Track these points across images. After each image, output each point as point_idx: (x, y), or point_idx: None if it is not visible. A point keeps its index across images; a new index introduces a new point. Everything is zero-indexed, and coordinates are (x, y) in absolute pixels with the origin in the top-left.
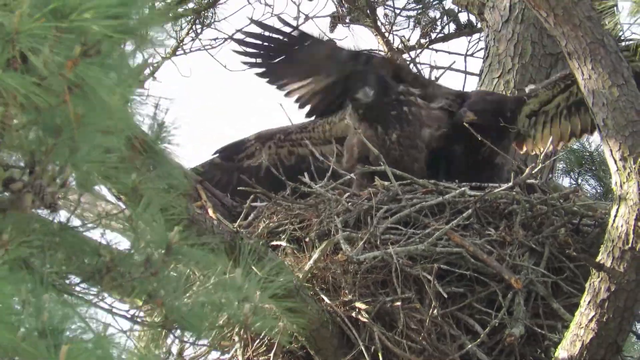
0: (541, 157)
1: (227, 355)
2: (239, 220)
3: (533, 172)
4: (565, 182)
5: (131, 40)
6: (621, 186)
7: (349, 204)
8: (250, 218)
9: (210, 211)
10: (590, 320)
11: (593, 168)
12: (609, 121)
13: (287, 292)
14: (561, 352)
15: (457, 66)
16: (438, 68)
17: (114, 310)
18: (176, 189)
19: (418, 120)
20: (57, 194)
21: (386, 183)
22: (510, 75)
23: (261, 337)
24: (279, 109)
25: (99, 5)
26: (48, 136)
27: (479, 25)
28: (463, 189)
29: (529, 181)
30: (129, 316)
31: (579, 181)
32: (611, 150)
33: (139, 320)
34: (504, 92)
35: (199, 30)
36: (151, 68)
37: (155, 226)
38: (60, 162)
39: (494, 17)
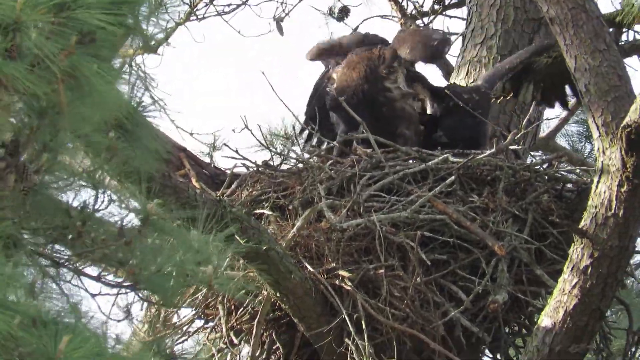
0: (524, 123)
1: (211, 324)
2: (222, 189)
3: (515, 138)
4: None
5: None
6: (603, 152)
7: (332, 171)
8: (233, 186)
9: (193, 180)
10: (574, 286)
11: None
12: (591, 87)
13: (252, 252)
14: (544, 318)
15: None
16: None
17: (82, 270)
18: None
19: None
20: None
21: (369, 150)
22: (492, 40)
23: (245, 305)
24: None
25: (99, 1)
26: (32, 117)
27: None
28: (446, 155)
29: (511, 147)
30: (95, 276)
31: None
32: (593, 116)
33: (105, 281)
34: (486, 59)
35: None
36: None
37: (136, 193)
38: (43, 141)
39: None
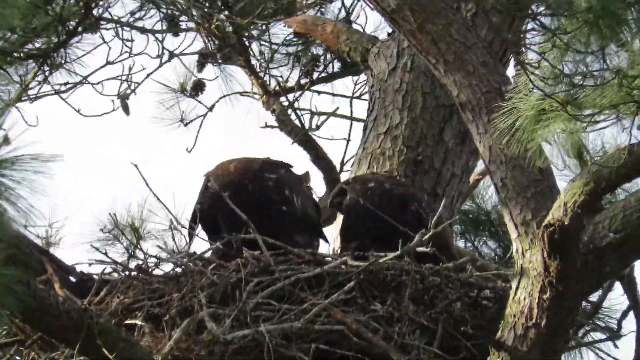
0: (432, 222)
1: None
2: (89, 296)
3: (423, 239)
4: (461, 245)
5: None
6: (523, 254)
7: (215, 276)
8: (102, 293)
9: (56, 286)
10: None
11: (491, 229)
12: (508, 181)
13: None
14: None
15: (341, 111)
16: (320, 114)
17: None
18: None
19: None
20: None
21: (256, 252)
22: (398, 130)
23: None
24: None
25: None
26: None
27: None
28: (344, 258)
29: (419, 249)
30: None
31: (476, 243)
32: (511, 214)
33: None
34: (391, 151)
35: (47, 73)
36: None
37: None
38: None
39: (379, 64)
